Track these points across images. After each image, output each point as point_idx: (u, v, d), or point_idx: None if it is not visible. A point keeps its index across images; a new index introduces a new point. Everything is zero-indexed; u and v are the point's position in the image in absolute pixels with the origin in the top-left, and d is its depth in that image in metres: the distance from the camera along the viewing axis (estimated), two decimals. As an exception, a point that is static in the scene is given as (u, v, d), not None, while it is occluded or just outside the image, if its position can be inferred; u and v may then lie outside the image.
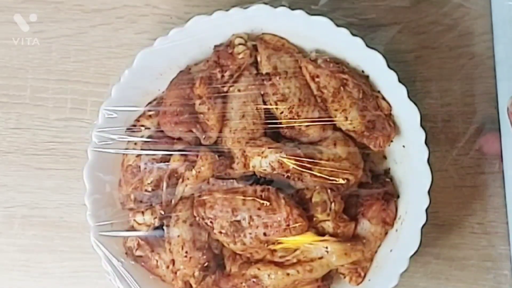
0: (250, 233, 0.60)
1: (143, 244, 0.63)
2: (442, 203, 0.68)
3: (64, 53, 0.72)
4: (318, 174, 0.60)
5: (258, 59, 0.63)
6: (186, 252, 0.61)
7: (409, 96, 0.61)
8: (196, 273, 0.62)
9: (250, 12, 0.62)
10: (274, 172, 0.60)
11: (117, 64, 0.71)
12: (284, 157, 0.60)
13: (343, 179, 0.61)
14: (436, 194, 0.63)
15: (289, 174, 0.60)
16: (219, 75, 0.62)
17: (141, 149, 0.64)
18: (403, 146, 0.63)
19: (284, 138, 0.63)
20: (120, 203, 0.65)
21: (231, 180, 0.61)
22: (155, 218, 0.63)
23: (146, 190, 0.63)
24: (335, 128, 0.63)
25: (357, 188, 0.63)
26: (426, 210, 0.60)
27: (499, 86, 0.69)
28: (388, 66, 0.61)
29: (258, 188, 0.60)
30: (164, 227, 0.62)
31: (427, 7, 0.70)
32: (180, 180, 0.62)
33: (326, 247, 0.60)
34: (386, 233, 0.63)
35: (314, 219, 0.61)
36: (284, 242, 0.60)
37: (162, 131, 0.64)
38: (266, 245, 0.60)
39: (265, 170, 0.61)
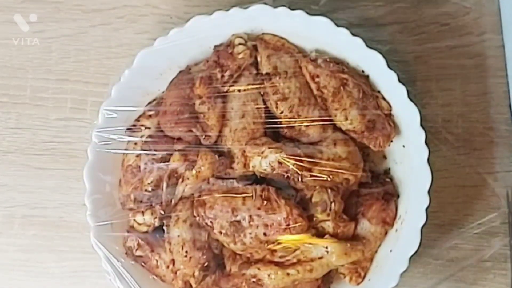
0: (250, 233, 0.60)
1: (143, 244, 0.63)
2: (442, 203, 0.68)
3: (64, 53, 0.72)
4: (318, 174, 0.60)
5: (258, 59, 0.63)
6: (186, 252, 0.61)
7: (409, 96, 0.61)
8: (196, 273, 0.62)
9: (250, 12, 0.62)
10: (274, 172, 0.60)
11: (117, 64, 0.71)
12: (284, 157, 0.60)
13: (343, 179, 0.61)
14: (436, 194, 0.63)
15: (289, 174, 0.60)
16: (219, 75, 0.62)
17: (141, 149, 0.64)
18: (403, 146, 0.63)
19: (284, 138, 0.63)
20: (120, 203, 0.65)
21: (231, 180, 0.61)
22: (155, 218, 0.63)
23: (146, 190, 0.63)
24: (335, 128, 0.63)
25: (357, 188, 0.63)
26: (426, 210, 0.60)
27: (511, 85, 0.68)
28: (388, 66, 0.61)
29: (258, 188, 0.60)
30: (164, 227, 0.63)
31: (427, 7, 0.70)
32: (180, 180, 0.62)
33: (326, 247, 0.60)
34: (386, 233, 0.63)
35: (314, 219, 0.61)
36: (284, 241, 0.60)
37: (162, 131, 0.64)
38: (266, 245, 0.60)
39: (265, 170, 0.61)
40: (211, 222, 0.61)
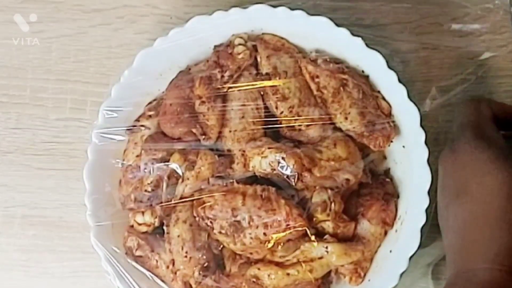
0: (250, 233, 0.60)
1: (143, 244, 0.63)
2: (442, 203, 0.68)
3: (64, 53, 0.72)
4: (318, 174, 0.60)
5: (258, 59, 0.63)
6: (186, 252, 0.61)
7: (409, 96, 0.61)
8: (196, 273, 0.62)
9: (250, 12, 0.62)
10: (274, 172, 0.60)
11: (117, 64, 0.71)
12: (284, 157, 0.60)
13: (343, 179, 0.61)
14: (436, 194, 0.63)
15: (289, 174, 0.60)
16: (219, 75, 0.62)
17: (141, 149, 0.64)
18: (403, 146, 0.63)
19: (284, 138, 0.63)
20: (120, 203, 0.65)
21: (231, 180, 0.61)
22: (155, 218, 0.63)
23: (146, 190, 0.63)
24: (335, 128, 0.63)
25: (357, 188, 0.63)
26: (426, 210, 0.60)
27: None
28: (388, 66, 0.61)
29: (258, 188, 0.60)
30: (164, 227, 0.63)
31: (428, 7, 0.70)
32: (180, 180, 0.62)
33: (326, 247, 0.60)
34: (386, 233, 0.63)
35: (314, 219, 0.61)
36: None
37: (162, 131, 0.64)
38: (266, 245, 0.60)
39: (265, 170, 0.61)
40: (211, 222, 0.61)
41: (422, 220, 0.60)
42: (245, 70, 0.63)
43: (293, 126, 0.62)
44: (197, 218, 0.61)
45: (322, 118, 0.62)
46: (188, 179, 0.62)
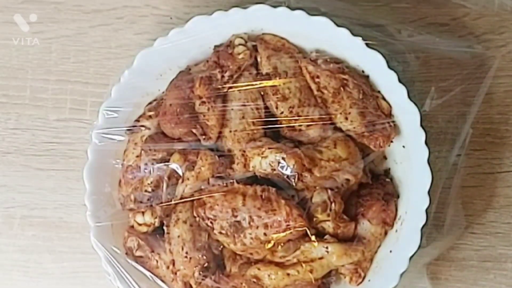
0: (250, 234, 0.60)
1: (143, 244, 0.63)
2: (442, 203, 0.68)
3: (64, 54, 0.72)
4: (318, 175, 0.60)
5: (258, 59, 0.63)
6: (186, 252, 0.61)
7: (409, 96, 0.61)
8: (196, 274, 0.62)
9: (250, 12, 0.62)
10: (274, 172, 0.60)
11: (117, 64, 0.71)
12: (284, 157, 0.60)
13: (343, 179, 0.61)
14: (436, 194, 0.63)
15: (289, 174, 0.60)
16: (219, 76, 0.62)
17: (141, 150, 0.64)
18: (403, 146, 0.63)
19: (284, 138, 0.63)
20: (120, 203, 0.65)
21: (231, 180, 0.61)
22: (155, 218, 0.63)
23: (146, 191, 0.63)
24: (335, 128, 0.63)
25: (357, 188, 0.63)
26: (426, 210, 0.60)
27: None
28: (388, 66, 0.61)
29: (258, 188, 0.60)
30: (164, 228, 0.63)
31: (427, 7, 0.70)
32: (180, 180, 0.62)
33: (326, 247, 0.60)
34: (386, 233, 0.63)
35: (314, 219, 0.61)
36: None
37: (162, 131, 0.64)
38: (266, 245, 0.60)
39: (265, 170, 0.61)
40: (211, 222, 0.61)
41: (422, 220, 0.60)
42: (245, 70, 0.63)
43: (293, 126, 0.62)
44: (197, 218, 0.61)
45: (322, 118, 0.62)
46: (188, 179, 0.62)
